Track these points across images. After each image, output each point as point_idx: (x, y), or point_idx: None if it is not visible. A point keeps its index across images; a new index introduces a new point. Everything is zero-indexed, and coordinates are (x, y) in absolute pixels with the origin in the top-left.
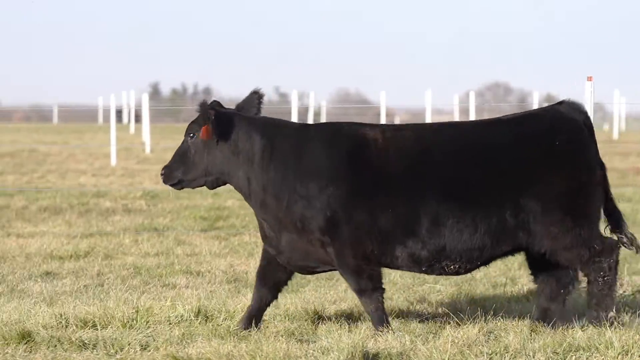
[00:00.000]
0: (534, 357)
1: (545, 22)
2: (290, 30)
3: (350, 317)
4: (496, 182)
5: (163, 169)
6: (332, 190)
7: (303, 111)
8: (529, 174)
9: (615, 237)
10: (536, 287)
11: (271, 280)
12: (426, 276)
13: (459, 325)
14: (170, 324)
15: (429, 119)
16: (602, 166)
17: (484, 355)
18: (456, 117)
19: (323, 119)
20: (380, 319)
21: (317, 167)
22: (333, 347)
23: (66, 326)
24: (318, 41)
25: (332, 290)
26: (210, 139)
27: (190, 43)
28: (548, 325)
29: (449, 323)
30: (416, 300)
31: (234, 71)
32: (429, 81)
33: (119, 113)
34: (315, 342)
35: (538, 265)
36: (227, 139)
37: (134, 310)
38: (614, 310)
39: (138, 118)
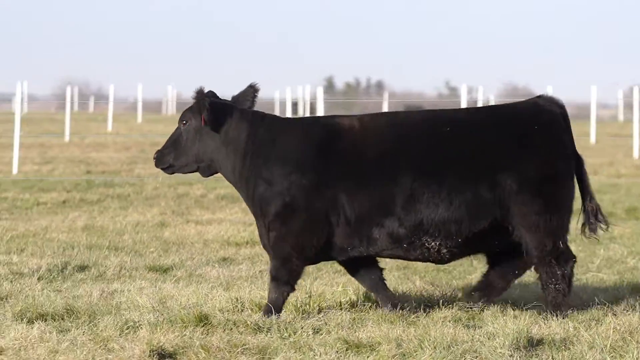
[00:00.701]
0: None
1: None
2: (461, 25)
3: (515, 304)
4: (473, 161)
5: (156, 152)
6: (295, 177)
7: (472, 105)
8: (506, 155)
9: (587, 228)
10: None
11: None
12: (589, 264)
13: (621, 313)
14: (341, 309)
15: (593, 114)
16: (578, 159)
17: None
18: (620, 112)
19: None
20: (274, 308)
21: (285, 154)
22: (498, 333)
23: (242, 310)
24: (489, 36)
25: None
26: (204, 125)
27: (363, 39)
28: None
29: (611, 310)
30: (579, 289)
31: (405, 66)
32: (594, 76)
33: (294, 105)
34: (481, 327)
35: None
36: (218, 128)
37: (306, 296)
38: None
39: (313, 111)
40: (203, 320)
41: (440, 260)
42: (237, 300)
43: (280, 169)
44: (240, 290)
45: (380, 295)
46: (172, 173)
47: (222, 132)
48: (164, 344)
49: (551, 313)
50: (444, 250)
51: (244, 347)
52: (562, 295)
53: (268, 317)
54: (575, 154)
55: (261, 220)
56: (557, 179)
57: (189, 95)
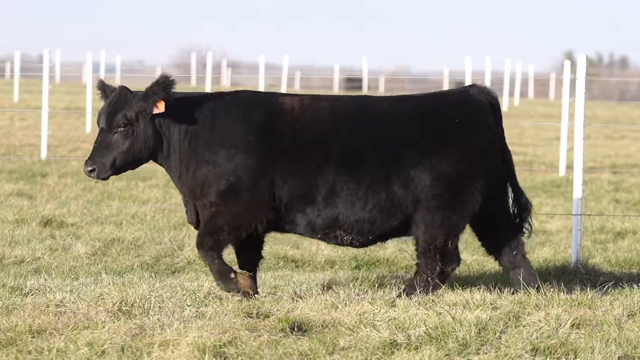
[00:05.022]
0: None
1: None
2: None
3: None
4: (390, 155)
5: (89, 164)
6: (239, 158)
7: None
8: (424, 148)
9: (517, 225)
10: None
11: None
12: None
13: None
14: None
15: None
16: (504, 152)
17: None
18: None
19: None
20: (219, 275)
21: (227, 135)
22: None
23: None
24: None
25: None
26: (158, 112)
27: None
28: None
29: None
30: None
31: None
32: None
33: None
34: None
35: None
36: (156, 119)
37: None
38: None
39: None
40: None
41: (349, 245)
42: None
43: (225, 150)
44: None
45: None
46: (108, 178)
47: (159, 120)
48: None
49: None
50: (356, 243)
51: None
52: (431, 288)
53: (222, 285)
54: (503, 149)
55: (200, 200)
56: (469, 176)
57: None
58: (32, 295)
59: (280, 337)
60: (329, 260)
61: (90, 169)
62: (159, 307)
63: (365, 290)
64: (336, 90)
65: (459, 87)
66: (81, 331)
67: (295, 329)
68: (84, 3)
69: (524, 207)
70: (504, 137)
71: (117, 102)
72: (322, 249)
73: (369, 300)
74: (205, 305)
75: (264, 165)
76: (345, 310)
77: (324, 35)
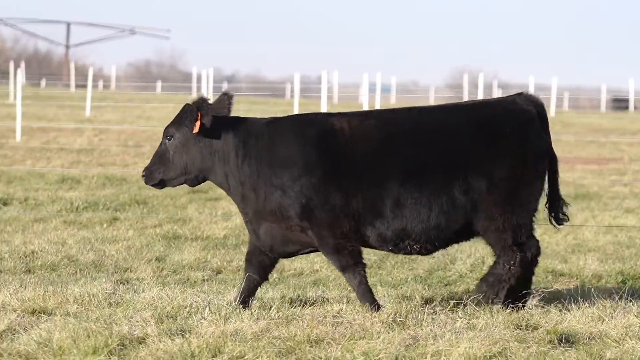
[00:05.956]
0: None
1: None
2: None
3: None
4: (448, 163)
5: (144, 170)
6: (304, 179)
7: None
8: (478, 155)
9: (552, 221)
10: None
11: (257, 264)
12: None
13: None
14: None
15: None
16: (552, 158)
17: None
18: None
19: None
20: (365, 292)
21: (288, 157)
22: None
23: None
24: None
25: None
26: (197, 132)
27: None
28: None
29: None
30: None
31: None
32: None
33: None
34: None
35: None
36: (203, 139)
37: None
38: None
39: None
40: None
41: (418, 254)
42: None
43: (289, 173)
44: None
45: (245, 290)
46: (162, 187)
47: (207, 141)
48: None
49: (483, 292)
50: (424, 251)
51: None
52: (510, 275)
53: (368, 301)
54: (550, 154)
55: (281, 223)
56: (525, 180)
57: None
58: (310, 306)
59: (549, 348)
60: (596, 275)
61: (143, 173)
62: (432, 318)
63: (631, 303)
64: (603, 110)
65: (507, 96)
66: (357, 341)
67: (563, 341)
68: (361, 26)
69: (560, 209)
70: (551, 143)
71: (178, 114)
72: (589, 264)
73: (635, 314)
74: (476, 318)
75: (329, 182)
76: (612, 323)
77: (592, 57)
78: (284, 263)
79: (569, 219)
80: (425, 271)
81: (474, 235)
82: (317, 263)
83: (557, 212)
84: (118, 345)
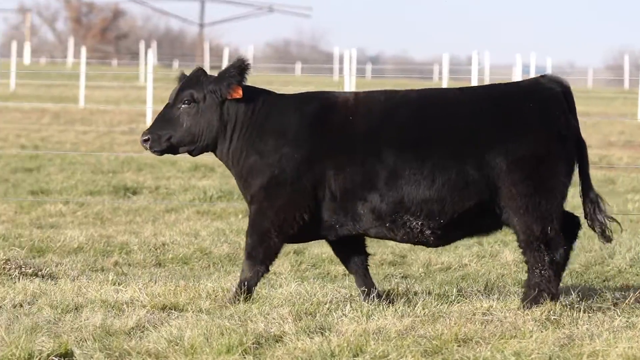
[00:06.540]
0: None
1: None
2: None
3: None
4: (459, 138)
5: (147, 134)
6: (286, 150)
7: None
8: (497, 132)
9: (589, 224)
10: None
11: (346, 253)
12: None
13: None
14: None
15: None
16: (579, 142)
17: None
18: None
19: None
20: (246, 288)
21: (277, 127)
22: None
23: None
24: None
25: None
26: (230, 98)
27: None
28: None
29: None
30: None
31: None
32: None
33: None
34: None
35: None
36: (226, 108)
37: None
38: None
39: None
40: None
41: (425, 242)
42: None
43: (273, 141)
44: None
45: (359, 279)
46: (162, 155)
47: (225, 108)
48: None
49: (531, 299)
50: (428, 232)
51: None
52: (547, 281)
53: (239, 296)
54: (577, 137)
55: (246, 193)
56: (550, 161)
57: None
58: (458, 303)
59: None
60: None
61: (145, 138)
62: (588, 316)
63: None
64: None
65: (530, 78)
66: (508, 340)
67: None
68: (514, 2)
69: (593, 203)
70: (579, 127)
71: (189, 80)
72: None
73: None
74: (636, 316)
75: (314, 158)
76: None
77: None
78: (430, 257)
79: (605, 233)
80: (582, 266)
81: (499, 221)
82: (465, 257)
83: (595, 214)
84: (253, 343)
